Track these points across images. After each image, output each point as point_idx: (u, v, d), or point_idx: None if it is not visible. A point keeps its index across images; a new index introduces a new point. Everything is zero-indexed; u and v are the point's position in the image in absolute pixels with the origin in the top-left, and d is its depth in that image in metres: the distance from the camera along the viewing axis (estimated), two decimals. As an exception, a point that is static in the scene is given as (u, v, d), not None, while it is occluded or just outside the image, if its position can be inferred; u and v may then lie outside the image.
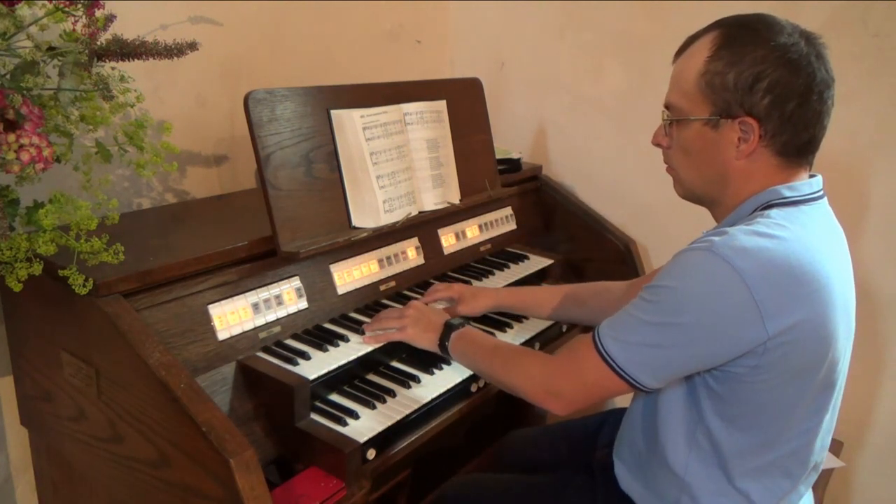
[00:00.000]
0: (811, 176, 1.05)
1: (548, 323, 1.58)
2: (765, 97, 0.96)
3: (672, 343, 0.95)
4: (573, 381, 1.05)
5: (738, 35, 0.98)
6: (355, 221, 1.45)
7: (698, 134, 1.03)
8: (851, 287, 1.05)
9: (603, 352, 1.00)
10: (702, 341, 0.94)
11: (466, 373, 1.37)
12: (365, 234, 1.44)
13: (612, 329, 1.01)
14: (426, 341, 1.34)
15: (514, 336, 1.53)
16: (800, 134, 0.98)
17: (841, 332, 1.00)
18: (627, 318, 1.00)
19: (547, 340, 1.58)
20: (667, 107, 1.08)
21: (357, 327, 1.38)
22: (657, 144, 1.12)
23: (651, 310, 0.97)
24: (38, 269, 1.03)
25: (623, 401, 1.25)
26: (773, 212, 0.98)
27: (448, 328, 1.32)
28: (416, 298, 1.52)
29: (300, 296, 1.37)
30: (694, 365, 0.98)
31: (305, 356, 1.26)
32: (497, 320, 1.57)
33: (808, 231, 0.97)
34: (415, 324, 1.35)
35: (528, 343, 1.52)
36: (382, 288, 1.54)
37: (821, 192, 1.05)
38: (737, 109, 0.98)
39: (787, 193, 1.00)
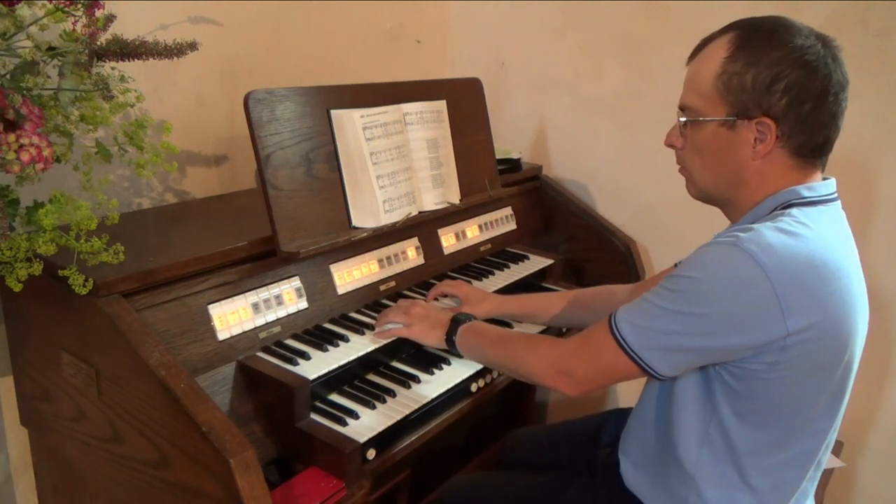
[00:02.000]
0: (824, 178, 1.05)
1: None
2: (782, 98, 0.97)
3: (689, 332, 0.96)
4: (586, 362, 1.06)
5: (755, 37, 0.99)
6: (355, 221, 1.45)
7: (714, 135, 1.03)
8: (865, 289, 1.05)
9: (618, 335, 1.00)
10: (719, 333, 0.95)
11: (467, 373, 1.37)
12: (365, 234, 1.44)
13: (629, 314, 1.02)
14: (433, 338, 1.34)
15: (514, 336, 1.52)
16: (815, 135, 0.99)
17: (859, 333, 1.00)
18: (646, 305, 1.00)
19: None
20: (682, 108, 1.08)
21: (357, 327, 1.38)
22: (671, 145, 1.12)
23: (671, 298, 0.97)
24: (38, 269, 1.03)
25: (625, 400, 1.25)
26: (794, 211, 0.98)
27: (455, 322, 1.32)
28: (416, 298, 1.52)
29: (300, 296, 1.37)
30: (708, 356, 0.99)
31: (305, 356, 1.26)
32: (498, 320, 1.56)
33: (828, 231, 0.98)
34: (421, 321, 1.35)
35: (529, 343, 1.52)
36: (382, 288, 1.54)
37: (836, 195, 1.05)
38: (754, 110, 0.99)
39: (807, 194, 1.00)
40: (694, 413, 1.05)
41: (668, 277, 1.00)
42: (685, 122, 1.07)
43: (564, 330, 1.64)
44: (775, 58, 0.96)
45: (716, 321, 0.94)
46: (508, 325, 1.55)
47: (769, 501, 1.05)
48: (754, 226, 0.96)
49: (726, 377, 1.00)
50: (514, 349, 1.19)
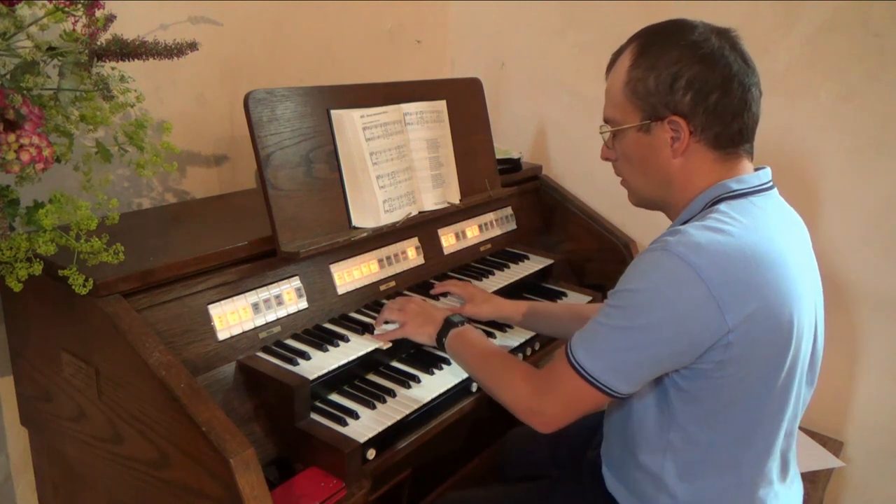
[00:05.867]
0: (758, 168, 1.07)
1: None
2: (686, 94, 1.00)
3: (639, 345, 0.97)
4: (552, 398, 1.06)
5: (653, 42, 1.04)
6: (355, 221, 1.45)
7: (634, 141, 1.07)
8: (815, 274, 1.06)
9: (575, 363, 1.01)
10: (667, 340, 0.95)
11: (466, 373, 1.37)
12: (365, 234, 1.44)
13: (581, 340, 1.02)
14: (424, 336, 1.35)
15: (514, 336, 1.53)
16: (729, 124, 1.01)
17: (805, 318, 1.01)
18: (595, 327, 1.01)
19: (547, 340, 1.58)
20: (605, 121, 1.12)
21: (357, 327, 1.38)
22: (606, 159, 1.15)
23: (615, 315, 0.99)
24: (38, 269, 1.03)
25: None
26: (723, 206, 1.00)
27: (447, 324, 1.33)
28: (414, 296, 1.52)
29: (300, 296, 1.37)
30: (664, 365, 0.99)
31: (305, 356, 1.26)
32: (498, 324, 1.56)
33: (759, 222, 0.99)
34: (415, 318, 1.36)
35: (529, 342, 1.52)
36: (382, 288, 1.54)
37: (770, 183, 1.06)
38: (663, 111, 1.02)
39: (735, 186, 1.02)
40: (653, 420, 1.06)
41: (611, 294, 1.01)
42: (611, 134, 1.11)
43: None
44: (672, 57, 1.00)
45: (660, 329, 0.95)
46: (507, 324, 1.55)
47: (739, 493, 1.06)
48: (681, 227, 0.98)
49: (679, 381, 1.01)
50: (493, 374, 1.18)
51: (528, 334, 1.53)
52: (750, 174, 1.04)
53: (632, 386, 1.00)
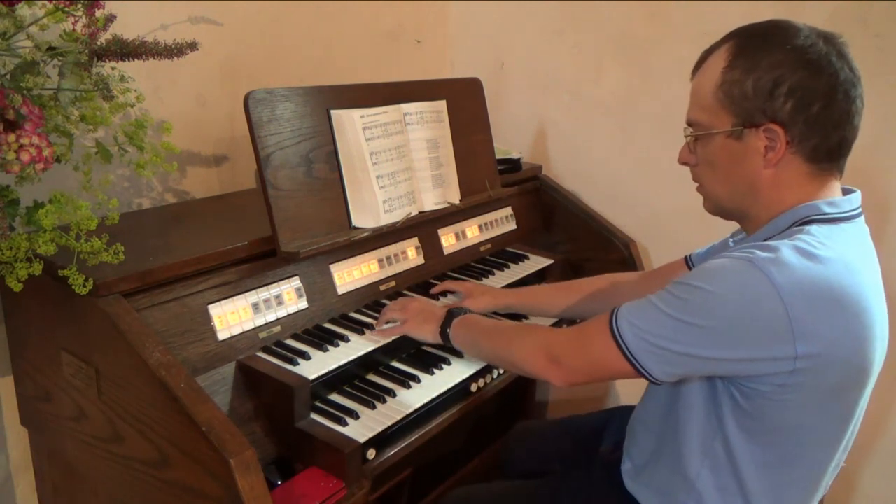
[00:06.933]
0: (847, 191, 1.02)
1: (552, 320, 1.58)
2: (787, 101, 0.93)
3: (685, 341, 0.93)
4: (578, 352, 1.04)
5: (752, 42, 0.97)
6: (355, 221, 1.45)
7: (723, 147, 1.00)
8: (885, 310, 1.01)
9: (616, 333, 0.98)
10: (720, 345, 0.92)
11: (467, 372, 1.37)
12: (365, 234, 1.44)
13: (630, 314, 0.99)
14: (428, 332, 1.34)
15: (514, 336, 1.53)
16: (829, 136, 0.95)
17: (877, 358, 0.98)
18: (649, 307, 0.98)
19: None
20: (689, 123, 1.06)
21: (357, 327, 1.38)
22: (684, 163, 1.09)
23: (676, 305, 0.94)
24: (38, 269, 1.03)
25: (630, 397, 1.25)
26: (814, 228, 0.94)
27: (450, 315, 1.32)
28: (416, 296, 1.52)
29: (300, 296, 1.37)
30: (707, 367, 0.96)
31: (305, 356, 1.26)
32: (501, 316, 1.56)
33: (849, 254, 0.94)
34: (416, 316, 1.36)
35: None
36: (382, 288, 1.54)
37: (859, 210, 1.02)
38: (759, 117, 0.95)
39: (828, 210, 0.96)
40: (699, 426, 1.03)
41: (677, 284, 0.97)
42: (694, 138, 1.04)
43: (565, 325, 1.64)
44: (775, 61, 0.93)
45: (718, 334, 0.92)
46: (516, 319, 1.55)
47: None
48: (772, 243, 0.93)
49: (735, 394, 0.98)
50: (506, 337, 1.17)
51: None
52: (841, 197, 0.99)
53: (668, 376, 0.97)
